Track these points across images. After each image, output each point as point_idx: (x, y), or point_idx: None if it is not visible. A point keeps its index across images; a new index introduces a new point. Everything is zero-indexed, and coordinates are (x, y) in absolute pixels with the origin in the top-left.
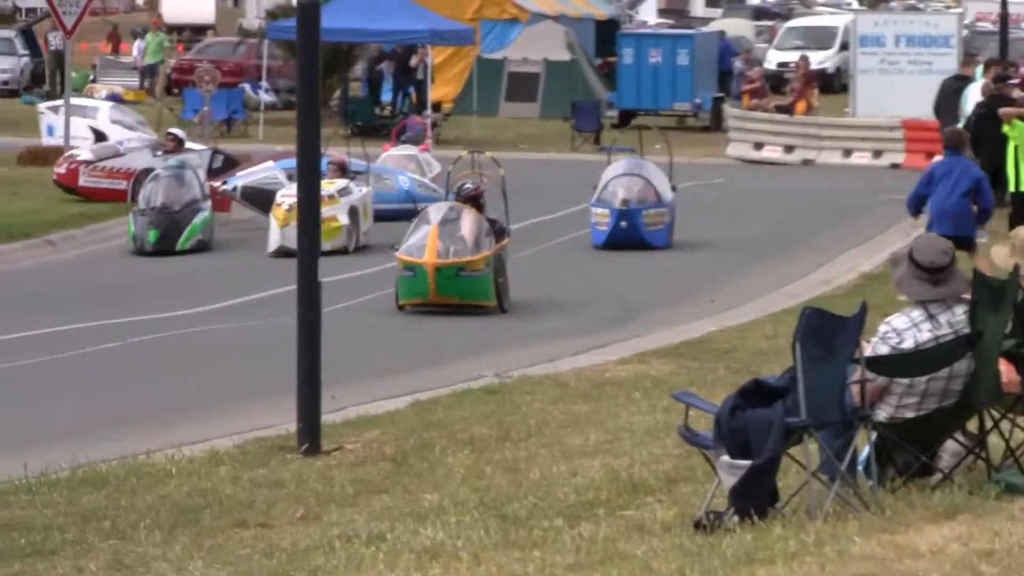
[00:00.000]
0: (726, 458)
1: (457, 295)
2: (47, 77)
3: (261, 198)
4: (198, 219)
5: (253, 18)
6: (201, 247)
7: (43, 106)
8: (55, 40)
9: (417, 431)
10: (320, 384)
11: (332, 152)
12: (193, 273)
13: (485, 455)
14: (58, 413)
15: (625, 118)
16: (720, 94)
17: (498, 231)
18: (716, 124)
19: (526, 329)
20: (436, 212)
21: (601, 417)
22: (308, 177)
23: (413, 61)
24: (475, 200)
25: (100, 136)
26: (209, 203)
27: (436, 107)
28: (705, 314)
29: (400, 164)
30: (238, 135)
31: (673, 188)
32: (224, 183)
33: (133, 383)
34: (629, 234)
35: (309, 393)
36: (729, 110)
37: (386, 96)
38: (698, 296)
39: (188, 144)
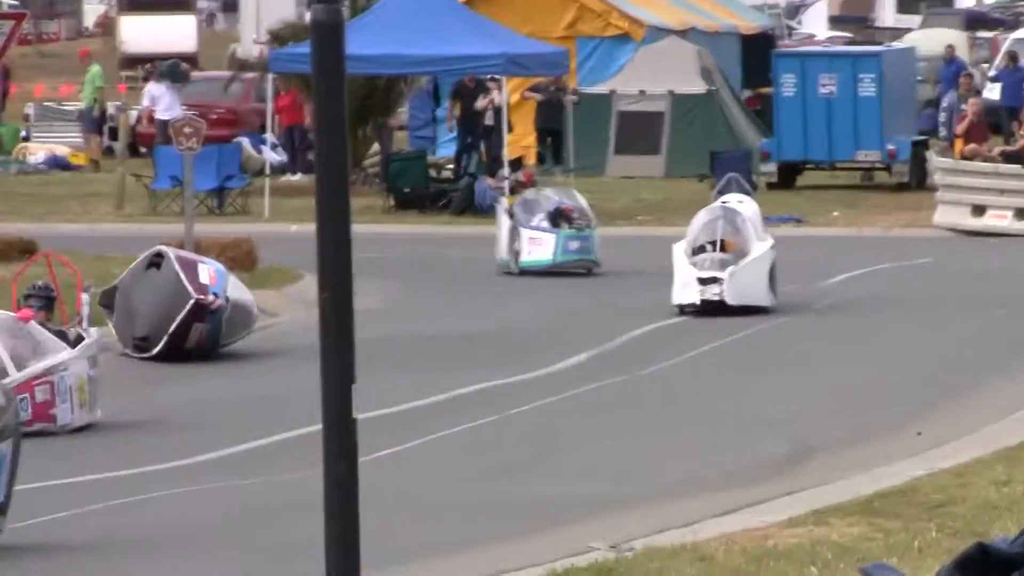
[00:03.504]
0: None
1: None
2: None
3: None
4: None
5: (250, 43)
6: None
7: None
8: None
9: None
10: (359, 564)
11: None
12: (181, 405)
13: None
14: None
15: (787, 174)
16: (923, 137)
17: None
18: (919, 180)
19: (651, 480)
20: None
21: None
22: (335, 272)
23: (480, 102)
24: None
25: None
26: None
27: (516, 164)
28: (909, 452)
29: None
30: (233, 212)
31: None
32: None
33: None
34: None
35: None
36: (936, 160)
37: (444, 151)
38: (898, 425)
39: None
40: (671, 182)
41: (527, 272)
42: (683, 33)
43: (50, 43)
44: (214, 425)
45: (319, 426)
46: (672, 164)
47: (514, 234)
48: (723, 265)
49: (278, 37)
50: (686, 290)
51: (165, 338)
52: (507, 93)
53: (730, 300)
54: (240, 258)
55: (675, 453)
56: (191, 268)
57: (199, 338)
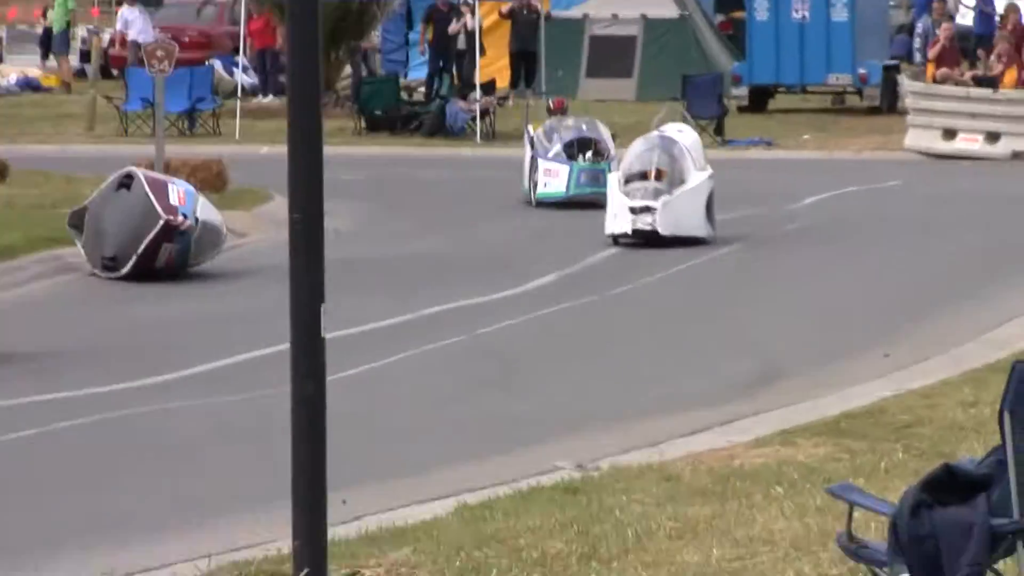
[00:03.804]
0: None
1: None
2: None
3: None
4: None
5: None
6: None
7: None
8: None
9: (465, 548)
10: (325, 484)
11: None
12: (150, 325)
13: None
14: None
15: (758, 98)
16: (894, 61)
17: None
18: (890, 104)
19: (618, 397)
20: None
21: (728, 524)
22: (306, 194)
23: (453, 26)
24: None
25: None
26: None
27: (488, 88)
28: (876, 373)
29: None
30: (204, 133)
31: None
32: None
33: (61, 487)
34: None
35: (310, 497)
36: (908, 84)
37: (416, 74)
38: (866, 348)
39: None
40: (643, 105)
41: (543, 204)
42: None
43: None
44: (183, 344)
45: (287, 345)
46: (644, 88)
47: (533, 164)
48: (656, 194)
49: None
50: (617, 220)
51: (134, 258)
52: (480, 17)
53: (663, 230)
54: (210, 179)
55: (642, 375)
56: (161, 189)
57: (168, 258)
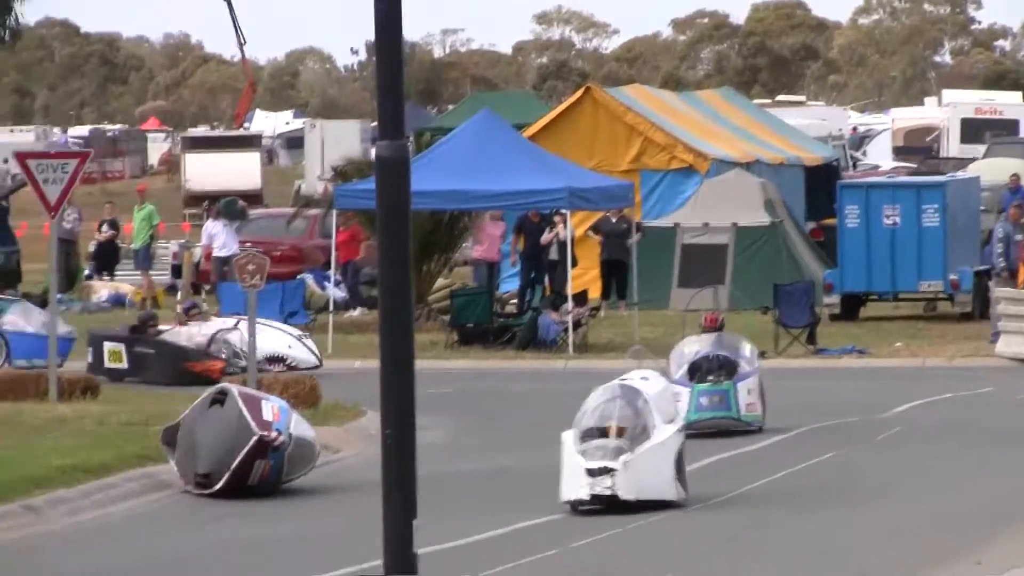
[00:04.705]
0: None
1: None
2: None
3: None
4: None
5: (315, 180)
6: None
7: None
8: (70, 219)
9: None
10: None
11: None
12: (244, 544)
13: None
14: None
15: (851, 306)
16: (985, 267)
17: None
18: (982, 310)
19: None
20: None
21: None
22: (398, 406)
23: (545, 236)
24: None
25: None
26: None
27: (580, 299)
28: None
29: None
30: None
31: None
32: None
33: None
34: None
35: None
36: (998, 290)
37: (508, 285)
38: (959, 555)
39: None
40: (735, 315)
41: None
42: (747, 165)
43: (115, 181)
44: (276, 564)
45: (380, 561)
46: (737, 297)
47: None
48: (616, 453)
49: (342, 173)
50: (573, 484)
51: (227, 474)
52: (571, 227)
53: (624, 494)
54: (303, 395)
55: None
56: (255, 404)
57: (261, 474)
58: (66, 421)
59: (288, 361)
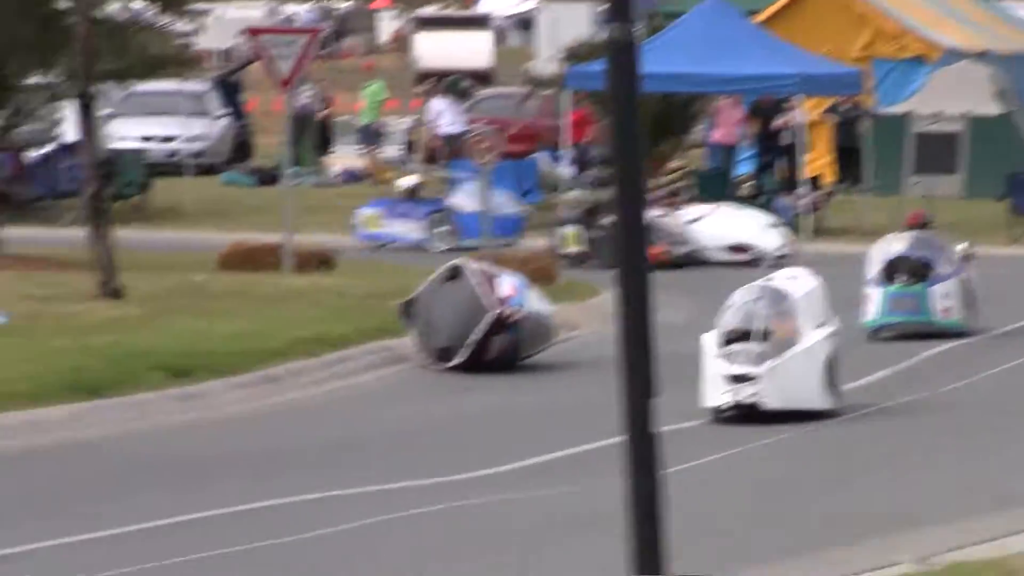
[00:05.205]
0: None
1: None
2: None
3: None
4: None
5: (546, 60)
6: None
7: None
8: (307, 95)
9: None
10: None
11: None
12: (483, 416)
13: None
14: None
15: None
16: None
17: None
18: None
19: (954, 496)
20: None
21: None
22: (635, 287)
23: (777, 122)
24: None
25: None
26: None
27: (814, 183)
28: None
29: None
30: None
31: None
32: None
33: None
34: None
35: None
36: None
37: (743, 168)
38: None
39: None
40: (969, 203)
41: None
42: (979, 55)
43: (345, 58)
44: (514, 436)
45: (618, 438)
46: (971, 185)
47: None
48: (760, 359)
49: (575, 54)
50: (714, 390)
51: (466, 350)
52: (806, 112)
53: (768, 402)
54: (540, 272)
55: (976, 470)
56: (489, 281)
57: (500, 350)
58: (304, 294)
59: (753, 250)
